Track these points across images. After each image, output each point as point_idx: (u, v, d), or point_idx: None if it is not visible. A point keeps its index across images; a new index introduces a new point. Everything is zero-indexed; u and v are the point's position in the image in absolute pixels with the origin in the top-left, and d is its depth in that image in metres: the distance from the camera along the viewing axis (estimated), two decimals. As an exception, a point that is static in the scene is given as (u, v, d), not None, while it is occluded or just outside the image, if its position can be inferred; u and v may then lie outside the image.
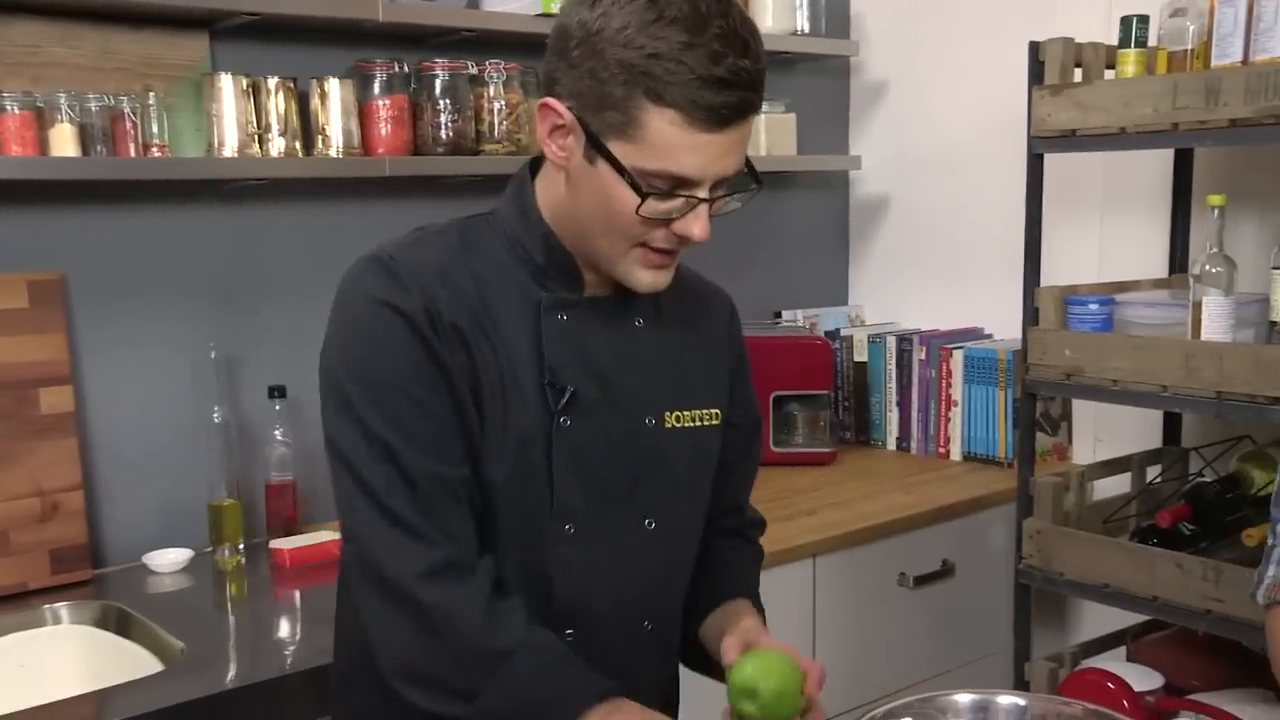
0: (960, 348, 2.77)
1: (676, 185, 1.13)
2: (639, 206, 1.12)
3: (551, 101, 1.16)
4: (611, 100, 1.10)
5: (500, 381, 1.19)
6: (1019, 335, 2.61)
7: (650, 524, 1.26)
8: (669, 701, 1.41)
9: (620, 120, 1.11)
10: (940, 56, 2.95)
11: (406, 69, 2.26)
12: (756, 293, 2.98)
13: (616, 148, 1.12)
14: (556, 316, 1.22)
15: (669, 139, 1.10)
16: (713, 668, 1.32)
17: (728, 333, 1.39)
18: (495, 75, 2.32)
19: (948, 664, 2.48)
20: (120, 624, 1.88)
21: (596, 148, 1.13)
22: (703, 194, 1.14)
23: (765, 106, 2.80)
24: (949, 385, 2.77)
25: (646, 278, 1.20)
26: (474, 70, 2.31)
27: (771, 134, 2.83)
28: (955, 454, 2.78)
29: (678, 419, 1.29)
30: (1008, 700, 1.22)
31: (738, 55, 1.09)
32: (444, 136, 2.27)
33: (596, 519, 1.23)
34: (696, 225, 1.15)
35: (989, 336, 2.88)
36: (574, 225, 1.21)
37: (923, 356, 2.80)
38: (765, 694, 1.15)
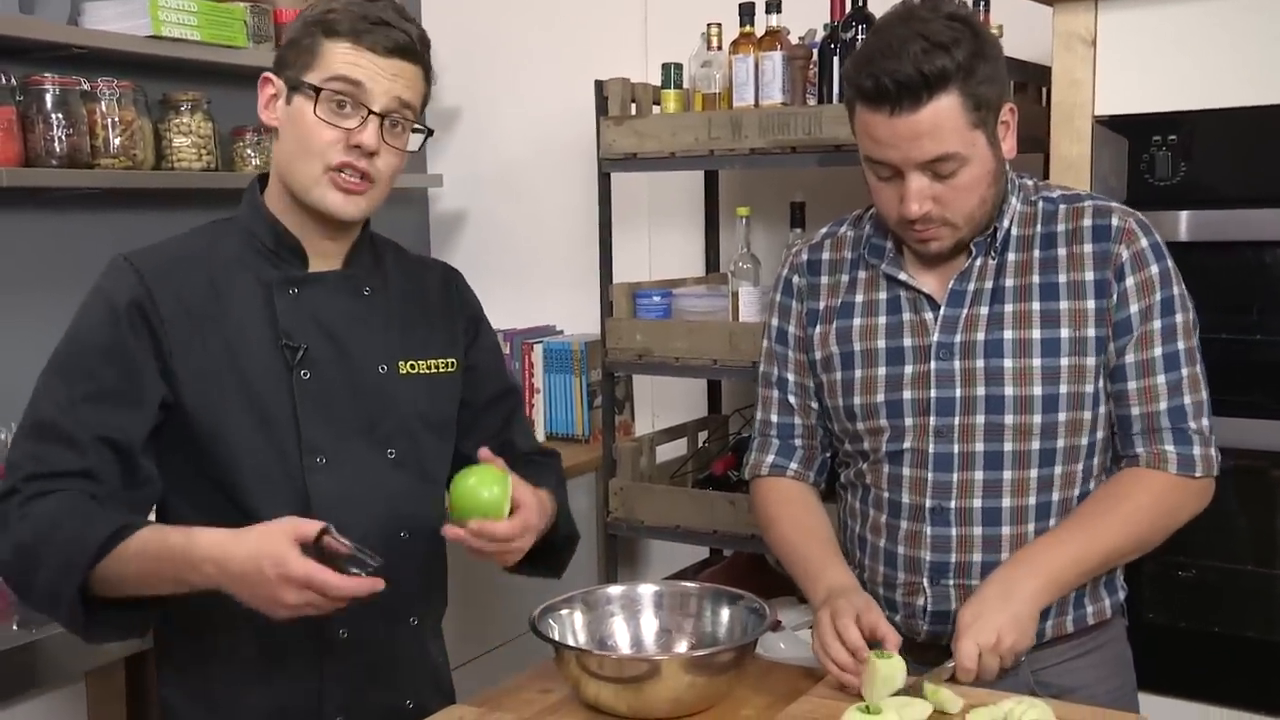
0: (540, 343, 3.17)
1: (351, 89, 1.41)
2: (314, 106, 1.40)
3: (268, 75, 1.47)
4: (301, 48, 1.43)
5: (227, 353, 1.43)
6: (588, 330, 3.08)
7: (391, 453, 1.51)
8: (434, 604, 1.64)
9: (308, 59, 1.42)
10: (506, 86, 3.34)
11: (13, 81, 2.29)
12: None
13: (305, 77, 1.42)
14: (288, 291, 1.48)
15: (341, 56, 1.41)
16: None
17: (457, 297, 1.66)
18: (109, 92, 2.39)
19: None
20: None
21: (292, 86, 1.43)
22: (376, 108, 1.41)
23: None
24: (532, 376, 3.17)
25: (337, 199, 1.44)
26: (86, 86, 2.38)
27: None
28: (540, 435, 3.18)
29: (412, 367, 1.54)
30: (647, 589, 1.61)
31: (386, 11, 1.43)
32: (58, 150, 2.32)
33: (343, 451, 1.47)
34: (366, 134, 1.41)
35: (561, 333, 3.31)
36: (284, 181, 1.46)
37: (508, 351, 3.17)
38: (480, 498, 1.38)
